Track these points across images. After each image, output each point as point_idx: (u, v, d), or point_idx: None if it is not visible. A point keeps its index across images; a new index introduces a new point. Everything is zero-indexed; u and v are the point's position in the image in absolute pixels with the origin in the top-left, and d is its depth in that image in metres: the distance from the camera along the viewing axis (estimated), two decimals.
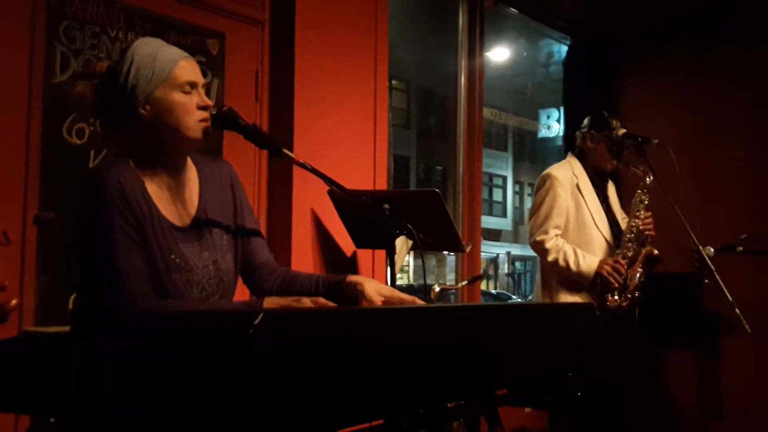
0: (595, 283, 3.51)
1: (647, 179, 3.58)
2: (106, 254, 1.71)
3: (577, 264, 3.50)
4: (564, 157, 3.87)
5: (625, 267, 3.49)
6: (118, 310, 1.69)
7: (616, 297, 3.48)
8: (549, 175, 3.65)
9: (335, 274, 2.05)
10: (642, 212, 3.58)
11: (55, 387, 1.43)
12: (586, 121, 3.74)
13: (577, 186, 3.64)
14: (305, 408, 1.18)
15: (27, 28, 2.64)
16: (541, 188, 3.67)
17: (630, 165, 3.65)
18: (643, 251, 3.54)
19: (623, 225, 3.72)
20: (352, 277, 1.98)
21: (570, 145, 4.08)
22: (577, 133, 3.79)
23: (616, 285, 3.46)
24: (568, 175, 3.66)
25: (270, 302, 1.75)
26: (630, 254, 3.54)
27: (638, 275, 3.50)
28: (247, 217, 2.05)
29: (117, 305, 1.69)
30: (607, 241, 3.63)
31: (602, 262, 3.50)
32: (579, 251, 3.53)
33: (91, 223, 1.75)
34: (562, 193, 3.60)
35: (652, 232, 3.59)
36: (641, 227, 3.56)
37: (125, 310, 1.68)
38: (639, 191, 3.61)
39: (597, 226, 3.62)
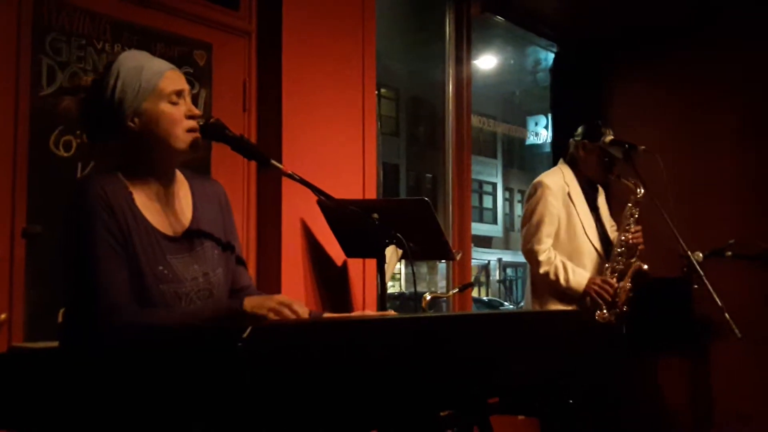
0: (584, 298, 3.53)
1: (638, 191, 3.59)
2: (88, 264, 1.71)
3: (567, 280, 3.52)
4: (553, 164, 3.88)
5: (614, 286, 3.51)
6: (97, 322, 1.68)
7: (605, 312, 3.50)
8: (540, 183, 3.65)
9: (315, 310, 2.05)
10: (632, 226, 3.59)
11: (42, 403, 1.42)
12: (580, 130, 3.73)
13: (569, 195, 3.64)
14: (295, 421, 1.17)
15: (13, 41, 2.63)
16: (532, 196, 3.67)
17: (621, 177, 3.65)
18: (633, 266, 3.56)
19: (611, 234, 3.74)
20: (328, 316, 1.97)
21: (559, 151, 4.08)
22: (571, 140, 3.78)
23: (603, 304, 3.49)
24: (560, 183, 3.66)
25: (251, 303, 1.74)
26: (620, 268, 3.57)
27: (627, 290, 3.53)
28: (233, 241, 2.04)
29: (97, 316, 1.68)
30: (596, 250, 3.64)
31: (591, 281, 3.52)
32: (570, 266, 3.54)
33: (74, 232, 1.75)
34: (553, 201, 3.60)
35: (642, 246, 3.60)
36: (631, 240, 3.58)
37: (105, 321, 1.67)
38: (630, 204, 3.61)
39: (587, 236, 3.63)
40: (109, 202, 1.75)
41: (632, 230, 3.58)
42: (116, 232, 1.74)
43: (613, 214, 3.88)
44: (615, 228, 3.81)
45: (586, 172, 3.71)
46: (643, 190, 3.58)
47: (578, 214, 3.63)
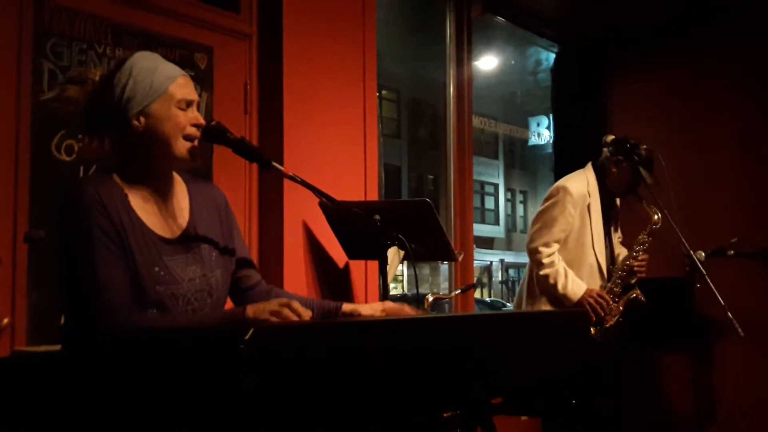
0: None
1: (655, 218, 3.59)
2: (85, 265, 1.70)
3: (564, 286, 3.53)
4: (555, 165, 3.89)
5: (609, 303, 3.53)
6: (96, 323, 1.67)
7: (592, 329, 3.51)
8: (564, 188, 3.63)
9: (327, 300, 2.06)
10: (640, 254, 3.60)
11: (46, 406, 1.42)
12: (610, 141, 3.68)
13: (588, 206, 3.63)
14: (298, 422, 1.17)
15: (14, 45, 2.63)
16: (552, 197, 3.65)
17: (644, 202, 3.64)
18: (630, 293, 3.58)
19: (617, 247, 3.75)
20: (347, 307, 1.99)
21: (561, 151, 4.08)
22: (605, 149, 3.72)
23: (594, 318, 3.49)
24: (582, 191, 3.63)
25: (254, 309, 1.73)
26: (617, 290, 3.59)
27: (618, 313, 3.55)
28: (237, 243, 2.04)
29: (95, 318, 1.68)
30: (599, 265, 3.65)
31: (588, 293, 3.53)
32: (570, 274, 3.55)
33: (69, 235, 1.75)
34: (571, 209, 3.59)
35: (643, 274, 3.62)
36: (635, 268, 3.59)
37: (103, 323, 1.67)
38: (644, 233, 3.62)
39: (594, 250, 3.64)
40: (103, 203, 1.75)
41: (639, 258, 3.60)
42: (112, 234, 1.74)
43: (622, 220, 3.90)
44: (620, 238, 3.82)
45: (611, 186, 3.69)
46: (659, 217, 3.58)
47: (591, 228, 3.63)
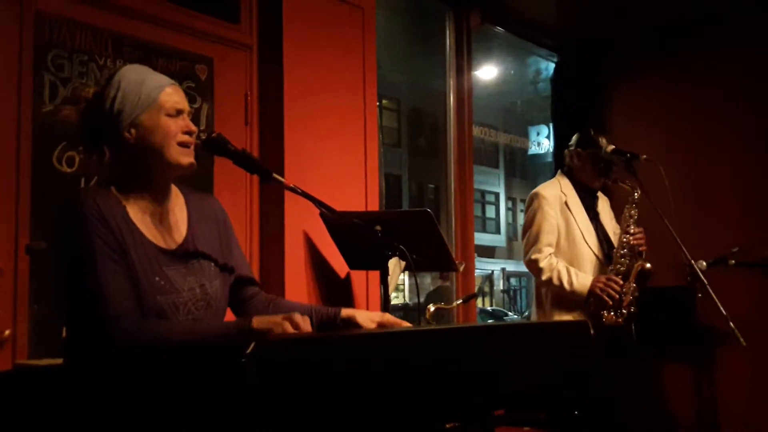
0: (588, 301, 3.51)
1: (635, 194, 3.60)
2: (89, 275, 1.70)
3: (570, 283, 3.52)
4: (554, 173, 3.90)
5: (619, 284, 3.49)
6: (101, 330, 1.67)
7: (612, 314, 3.48)
8: (537, 194, 3.68)
9: (327, 306, 2.06)
10: (632, 227, 3.59)
11: (48, 421, 1.42)
12: (573, 139, 3.79)
13: (566, 203, 3.66)
14: None
15: (15, 57, 2.64)
16: (530, 207, 3.71)
17: (618, 181, 3.67)
18: (636, 266, 3.54)
19: (615, 240, 3.73)
20: (345, 312, 2.00)
21: (561, 160, 4.07)
22: (566, 150, 3.82)
23: (610, 303, 3.47)
24: (557, 193, 3.68)
25: (259, 321, 1.74)
26: (623, 269, 3.55)
27: (632, 290, 3.51)
28: (236, 257, 2.04)
29: (101, 325, 1.68)
30: (597, 256, 3.64)
31: (595, 280, 3.51)
32: (572, 270, 3.54)
33: (71, 246, 1.75)
34: (550, 210, 3.62)
35: (643, 247, 3.60)
36: (633, 242, 3.57)
37: (110, 329, 1.67)
38: (628, 206, 3.62)
39: (587, 243, 3.64)
40: (103, 214, 1.75)
41: (633, 231, 3.58)
42: (113, 244, 1.74)
43: (617, 218, 3.88)
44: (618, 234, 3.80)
45: (582, 180, 3.73)
46: (639, 192, 3.58)
47: (576, 222, 3.64)
